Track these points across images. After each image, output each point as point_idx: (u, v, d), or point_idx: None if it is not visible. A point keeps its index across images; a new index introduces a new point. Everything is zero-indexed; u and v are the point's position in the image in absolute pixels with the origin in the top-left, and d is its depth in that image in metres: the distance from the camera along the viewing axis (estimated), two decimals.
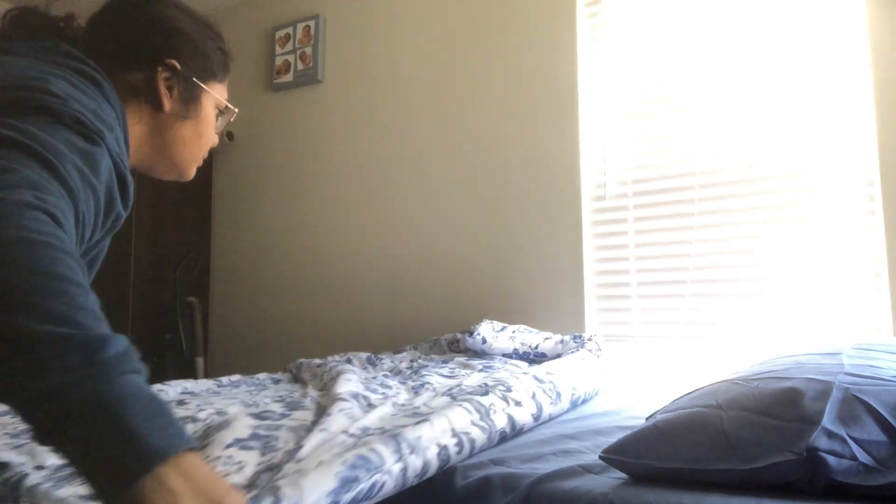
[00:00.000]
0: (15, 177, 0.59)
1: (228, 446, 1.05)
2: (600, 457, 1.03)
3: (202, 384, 1.87)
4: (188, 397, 1.64)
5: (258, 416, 1.25)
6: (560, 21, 2.63)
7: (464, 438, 1.13)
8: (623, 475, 1.00)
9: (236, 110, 1.11)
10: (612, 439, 1.08)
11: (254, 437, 1.10)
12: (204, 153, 1.07)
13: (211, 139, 1.07)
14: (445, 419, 1.13)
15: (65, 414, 0.49)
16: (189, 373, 3.15)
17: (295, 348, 3.17)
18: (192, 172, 1.07)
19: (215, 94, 1.03)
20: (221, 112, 1.07)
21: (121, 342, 0.55)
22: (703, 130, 2.34)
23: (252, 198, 3.48)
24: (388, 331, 2.93)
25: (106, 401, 0.50)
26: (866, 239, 2.06)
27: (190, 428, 1.19)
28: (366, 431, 1.14)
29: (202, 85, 1.00)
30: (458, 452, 1.11)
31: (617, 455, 1.01)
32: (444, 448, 1.07)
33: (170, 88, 0.96)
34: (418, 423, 1.09)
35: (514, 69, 2.72)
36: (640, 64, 2.48)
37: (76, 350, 0.51)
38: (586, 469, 1.04)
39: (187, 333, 3.22)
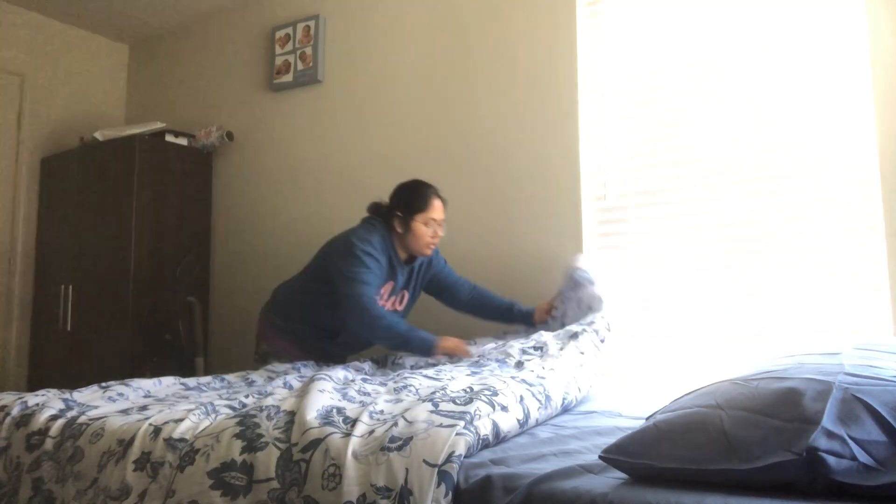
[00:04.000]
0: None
1: None
2: (600, 457, 1.03)
3: (167, 385, 1.83)
4: (150, 402, 1.60)
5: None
6: (560, 21, 2.63)
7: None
8: (623, 475, 1.00)
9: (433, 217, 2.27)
10: (612, 439, 1.08)
11: None
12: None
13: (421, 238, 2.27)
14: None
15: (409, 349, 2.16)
16: (189, 372, 3.15)
17: None
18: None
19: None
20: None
21: (415, 337, 2.13)
22: (703, 131, 2.34)
23: (252, 198, 3.48)
24: None
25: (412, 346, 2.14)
26: (866, 239, 2.06)
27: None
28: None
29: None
30: None
31: (617, 455, 1.01)
32: None
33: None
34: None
35: (515, 69, 2.72)
36: (640, 64, 2.48)
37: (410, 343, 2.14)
38: (586, 469, 1.05)
39: (187, 333, 3.22)
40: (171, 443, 1.27)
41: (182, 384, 1.87)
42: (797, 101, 2.18)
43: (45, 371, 3.50)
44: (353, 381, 1.70)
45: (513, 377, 1.53)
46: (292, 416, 1.28)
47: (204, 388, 1.84)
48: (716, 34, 2.34)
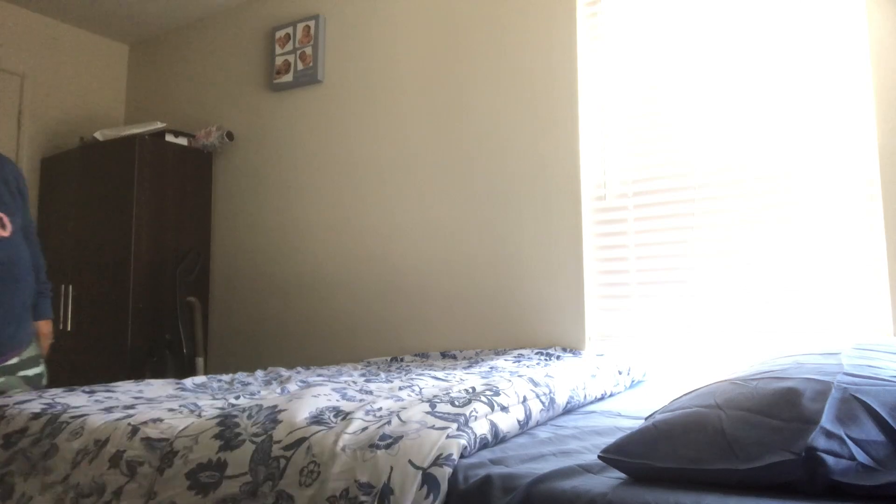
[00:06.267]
0: None
1: None
2: (599, 457, 1.03)
3: (159, 386, 1.81)
4: (138, 402, 1.59)
5: None
6: (560, 21, 2.63)
7: None
8: (622, 475, 1.00)
9: None
10: (612, 439, 1.08)
11: None
12: None
13: None
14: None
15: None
16: (189, 372, 3.15)
17: (294, 348, 3.17)
18: None
19: None
20: None
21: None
22: (703, 131, 2.34)
23: (252, 198, 3.48)
24: (388, 331, 2.93)
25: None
26: (866, 239, 2.06)
27: None
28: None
29: None
30: None
31: (616, 455, 1.01)
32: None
33: None
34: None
35: (514, 69, 2.72)
36: (640, 64, 2.48)
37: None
38: (585, 469, 1.04)
39: (187, 333, 3.22)
40: (149, 442, 1.26)
41: (178, 385, 1.86)
42: (797, 102, 2.18)
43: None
44: (354, 382, 1.69)
45: (520, 376, 1.52)
46: (275, 412, 1.26)
47: (198, 390, 1.83)
48: (716, 35, 2.34)
